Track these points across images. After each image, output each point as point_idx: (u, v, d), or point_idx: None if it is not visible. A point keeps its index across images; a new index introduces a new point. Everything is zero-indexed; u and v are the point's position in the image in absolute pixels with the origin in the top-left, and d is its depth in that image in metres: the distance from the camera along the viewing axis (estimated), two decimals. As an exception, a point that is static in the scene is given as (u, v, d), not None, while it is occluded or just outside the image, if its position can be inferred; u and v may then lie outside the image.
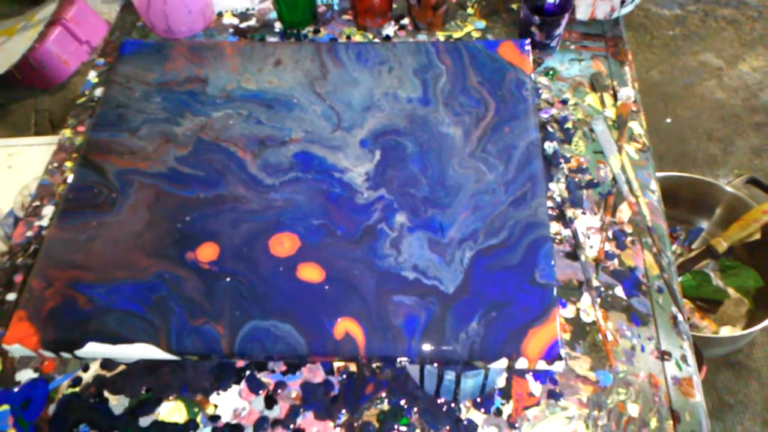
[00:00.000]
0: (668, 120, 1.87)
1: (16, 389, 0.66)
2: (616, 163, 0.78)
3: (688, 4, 2.19)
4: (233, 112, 0.74)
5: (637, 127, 0.83)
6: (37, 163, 1.38)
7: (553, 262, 0.61)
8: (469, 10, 0.98)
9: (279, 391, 0.65)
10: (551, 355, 0.56)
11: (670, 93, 1.94)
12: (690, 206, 1.47)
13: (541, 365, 0.56)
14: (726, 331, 1.30)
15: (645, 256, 0.72)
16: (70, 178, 0.70)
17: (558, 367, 0.57)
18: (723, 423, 1.31)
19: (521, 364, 0.56)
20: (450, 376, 0.58)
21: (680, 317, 0.67)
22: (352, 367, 0.66)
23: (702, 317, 1.33)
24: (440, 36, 0.94)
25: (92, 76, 0.92)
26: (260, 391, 0.65)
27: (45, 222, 0.77)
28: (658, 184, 0.78)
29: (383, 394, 0.64)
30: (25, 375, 0.66)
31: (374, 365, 0.65)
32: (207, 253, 0.63)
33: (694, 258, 1.37)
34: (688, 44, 2.08)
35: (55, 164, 0.82)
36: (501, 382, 0.64)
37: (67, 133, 0.85)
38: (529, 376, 0.64)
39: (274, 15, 0.98)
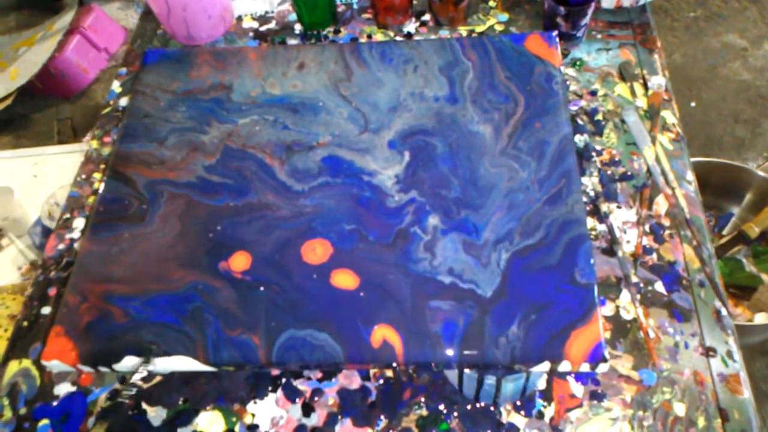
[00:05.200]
0: (693, 104, 1.83)
1: (55, 403, 0.66)
2: (650, 154, 0.76)
3: (708, -16, 2.14)
4: (259, 118, 0.73)
5: (669, 116, 0.81)
6: (62, 172, 1.39)
7: (592, 261, 0.59)
8: (491, 3, 0.96)
9: (316, 398, 0.64)
10: (595, 357, 0.54)
11: (694, 76, 1.90)
12: (719, 191, 1.44)
13: (585, 368, 0.55)
14: (761, 318, 1.27)
15: (684, 250, 0.70)
16: (100, 190, 0.70)
17: (602, 369, 0.55)
18: (760, 412, 1.29)
19: (564, 367, 0.55)
20: (490, 380, 0.57)
21: (724, 311, 0.66)
22: (389, 373, 0.65)
23: (736, 304, 1.31)
24: (462, 31, 0.92)
25: (116, 86, 0.92)
26: (297, 399, 0.64)
27: (76, 234, 0.77)
28: (694, 174, 0.76)
29: (421, 399, 0.63)
30: (63, 389, 0.67)
31: (410, 370, 0.65)
32: (239, 262, 0.63)
33: (726, 244, 1.34)
34: (710, 25, 2.03)
35: (84, 176, 0.82)
36: (541, 384, 0.63)
37: (93, 144, 0.85)
38: (570, 377, 0.63)
39: (293, 17, 0.97)
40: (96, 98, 1.96)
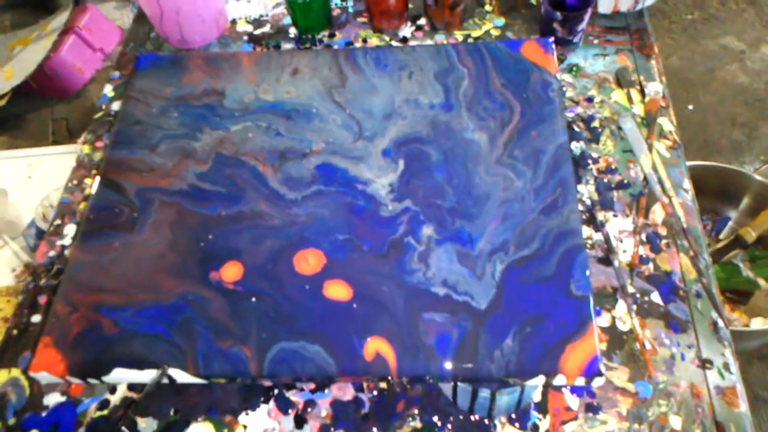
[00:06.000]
0: (690, 107, 1.82)
1: (44, 414, 0.65)
2: (647, 162, 0.76)
3: (706, -14, 2.13)
4: (252, 125, 0.73)
5: (666, 123, 0.80)
6: (56, 173, 1.38)
7: (588, 273, 0.59)
8: (487, 7, 0.95)
9: (309, 410, 0.63)
10: (591, 372, 0.54)
11: (691, 79, 1.89)
12: (716, 195, 1.43)
13: (580, 382, 0.55)
14: (757, 324, 1.27)
15: (681, 260, 0.69)
16: (91, 197, 0.69)
17: (597, 383, 0.55)
18: (756, 417, 1.28)
19: (559, 381, 0.55)
20: (485, 393, 0.57)
21: (720, 323, 0.65)
22: (383, 384, 0.64)
23: (732, 309, 1.30)
24: (458, 36, 0.91)
25: (108, 90, 0.91)
26: (290, 411, 0.63)
27: (67, 241, 0.76)
28: (691, 183, 0.75)
29: (415, 411, 0.62)
30: (53, 399, 0.66)
31: (404, 381, 0.64)
32: (231, 272, 0.62)
33: (723, 249, 1.34)
34: (707, 28, 2.03)
35: (75, 182, 0.81)
36: (537, 397, 0.62)
37: (85, 149, 0.84)
38: (565, 390, 0.62)
39: (288, 20, 0.97)
40: (91, 99, 1.94)
